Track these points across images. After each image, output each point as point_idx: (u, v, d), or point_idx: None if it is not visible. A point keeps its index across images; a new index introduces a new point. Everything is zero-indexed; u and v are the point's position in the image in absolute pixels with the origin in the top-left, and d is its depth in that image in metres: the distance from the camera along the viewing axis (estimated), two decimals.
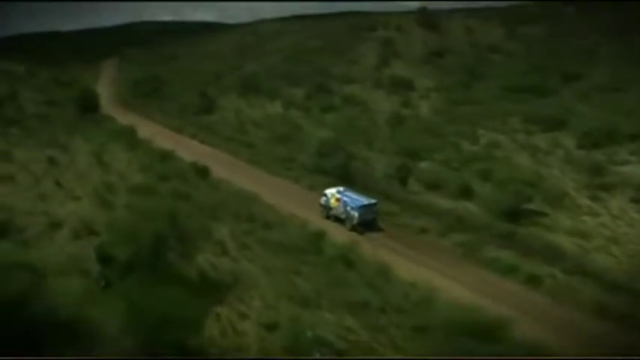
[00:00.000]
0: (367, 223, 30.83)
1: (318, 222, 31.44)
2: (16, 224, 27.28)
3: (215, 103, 59.91)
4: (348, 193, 32.32)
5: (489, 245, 27.63)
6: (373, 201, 31.81)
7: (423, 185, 35.82)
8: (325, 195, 33.05)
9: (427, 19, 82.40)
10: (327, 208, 32.79)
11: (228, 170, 40.62)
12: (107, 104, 64.34)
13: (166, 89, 69.82)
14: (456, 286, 23.99)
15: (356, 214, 30.88)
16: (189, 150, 45.37)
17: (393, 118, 49.47)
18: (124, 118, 57.14)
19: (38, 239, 26.86)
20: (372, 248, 26.76)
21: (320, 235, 27.38)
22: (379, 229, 30.93)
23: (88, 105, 56.94)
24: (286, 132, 48.54)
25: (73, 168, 35.93)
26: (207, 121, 55.47)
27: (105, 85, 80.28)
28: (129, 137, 46.38)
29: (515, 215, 30.21)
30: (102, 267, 23.17)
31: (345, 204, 31.48)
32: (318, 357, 17.10)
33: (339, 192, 32.47)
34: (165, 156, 41.13)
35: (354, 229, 30.80)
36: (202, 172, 37.42)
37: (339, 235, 28.50)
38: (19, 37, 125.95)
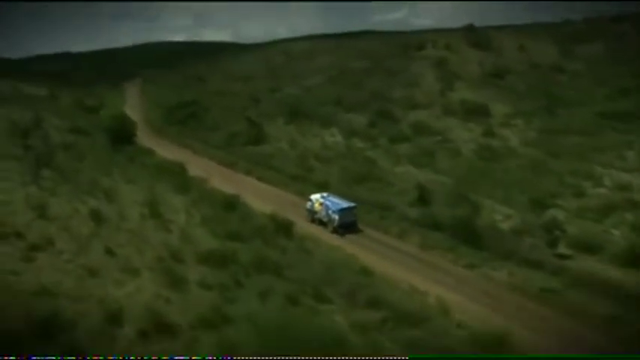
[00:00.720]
0: (347, 225, 31.63)
1: (466, 305, 22.78)
2: (64, 316, 19.06)
3: (263, 131, 51.63)
4: (331, 198, 33.23)
5: None
6: (352, 204, 32.61)
7: (568, 245, 27.37)
8: (310, 200, 33.91)
9: (477, 37, 74.94)
10: (311, 212, 33.61)
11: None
12: (139, 132, 56.10)
13: (203, 114, 61.50)
14: None
15: (336, 216, 31.69)
16: (250, 191, 36.86)
17: (483, 152, 41.20)
18: (163, 150, 48.88)
19: (95, 341, 18.60)
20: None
21: (499, 339, 18.64)
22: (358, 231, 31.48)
23: (122, 134, 48.75)
24: (360, 168, 40.17)
25: (123, 225, 27.52)
26: (259, 153, 47.06)
27: (132, 109, 71.99)
28: (179, 177, 38.05)
29: None
30: None
31: (327, 208, 32.40)
32: None
33: (322, 197, 33.42)
34: (230, 203, 32.71)
35: (335, 231, 31.56)
36: (285, 227, 28.87)
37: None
38: (35, 59, 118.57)
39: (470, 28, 79.22)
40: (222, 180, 39.37)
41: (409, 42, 77.51)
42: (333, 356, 15.85)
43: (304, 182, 38.64)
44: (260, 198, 35.28)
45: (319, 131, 51.93)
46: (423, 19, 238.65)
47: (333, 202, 32.46)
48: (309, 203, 33.87)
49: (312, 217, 33.43)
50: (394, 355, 17.64)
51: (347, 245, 28.93)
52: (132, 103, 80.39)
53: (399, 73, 63.93)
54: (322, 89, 66.72)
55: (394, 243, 29.56)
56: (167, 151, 48.28)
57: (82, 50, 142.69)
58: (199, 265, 24.62)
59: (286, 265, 24.92)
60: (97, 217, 27.09)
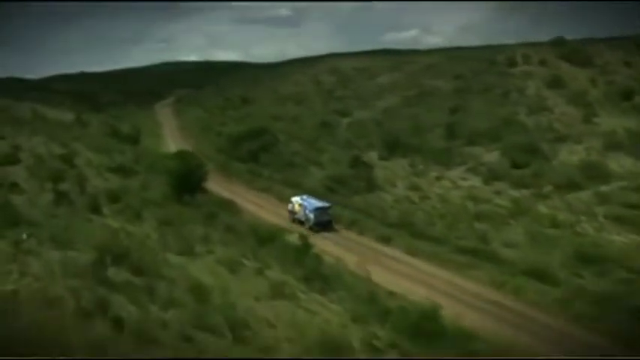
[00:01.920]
0: (323, 224, 31.38)
1: None
2: None
3: (373, 173, 37.19)
4: (309, 200, 32.93)
5: None
6: (327, 204, 32.47)
7: None
8: (292, 202, 33.43)
9: (575, 52, 61.30)
10: (292, 213, 33.19)
11: (548, 344, 17.57)
12: None
13: (272, 145, 46.88)
14: None
15: (312, 215, 31.55)
16: (420, 283, 22.38)
17: None
18: (243, 199, 34.49)
19: None
20: None
21: None
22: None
23: (189, 180, 34.12)
24: (559, 237, 25.80)
25: None
26: (381, 207, 32.63)
27: (173, 138, 57.75)
28: (301, 256, 23.54)
29: None
30: None
31: (305, 208, 32.27)
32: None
33: (302, 199, 33.09)
34: (426, 320, 18.31)
35: (311, 228, 30.73)
36: None
37: None
38: (54, 79, 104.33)
39: (559, 41, 65.84)
40: (360, 257, 24.91)
41: (490, 57, 63.80)
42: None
43: (488, 262, 23.55)
44: (453, 301, 20.51)
45: (441, 171, 37.61)
46: (436, 37, 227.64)
47: (310, 203, 32.52)
48: (290, 205, 33.64)
49: (293, 217, 33.10)
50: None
51: None
52: (170, 128, 65.85)
53: (507, 93, 49.93)
54: (405, 112, 52.70)
55: None
56: (250, 203, 33.88)
57: (98, 70, 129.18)
58: None
59: None
60: None
